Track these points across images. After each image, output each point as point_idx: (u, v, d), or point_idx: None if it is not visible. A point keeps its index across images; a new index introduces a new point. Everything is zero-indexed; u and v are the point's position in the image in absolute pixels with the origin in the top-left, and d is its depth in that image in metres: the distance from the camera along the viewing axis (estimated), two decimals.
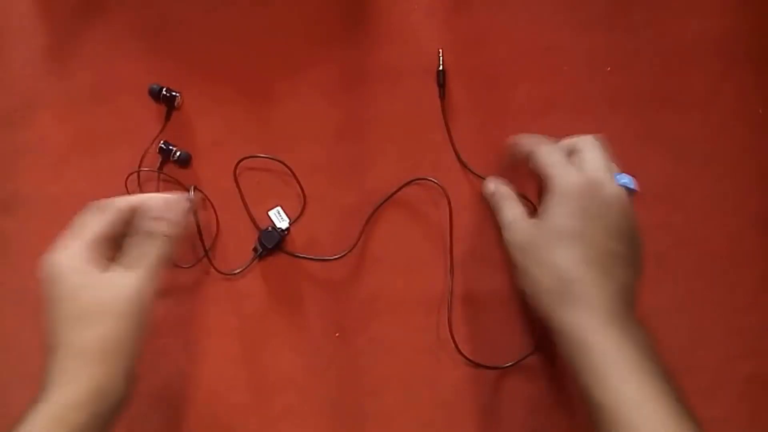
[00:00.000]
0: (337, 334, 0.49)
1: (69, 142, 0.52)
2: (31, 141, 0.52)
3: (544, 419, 0.47)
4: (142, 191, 0.51)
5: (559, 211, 0.41)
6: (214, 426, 0.48)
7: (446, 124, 0.50)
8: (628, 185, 0.43)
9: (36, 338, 0.49)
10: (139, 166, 0.51)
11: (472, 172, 0.50)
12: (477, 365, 0.48)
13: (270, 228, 0.48)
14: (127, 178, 0.50)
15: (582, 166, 0.42)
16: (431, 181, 0.49)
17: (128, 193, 0.50)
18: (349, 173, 0.51)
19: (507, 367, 0.47)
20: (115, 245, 0.42)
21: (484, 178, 0.50)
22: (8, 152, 0.52)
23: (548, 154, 0.43)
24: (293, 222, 0.50)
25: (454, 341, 0.47)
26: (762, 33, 0.52)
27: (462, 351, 0.47)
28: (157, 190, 0.51)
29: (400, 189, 0.50)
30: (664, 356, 0.38)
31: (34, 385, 0.48)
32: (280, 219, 0.49)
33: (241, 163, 0.50)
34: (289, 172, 0.50)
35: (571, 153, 0.44)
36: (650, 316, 0.49)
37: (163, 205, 0.43)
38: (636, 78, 0.51)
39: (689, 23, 0.52)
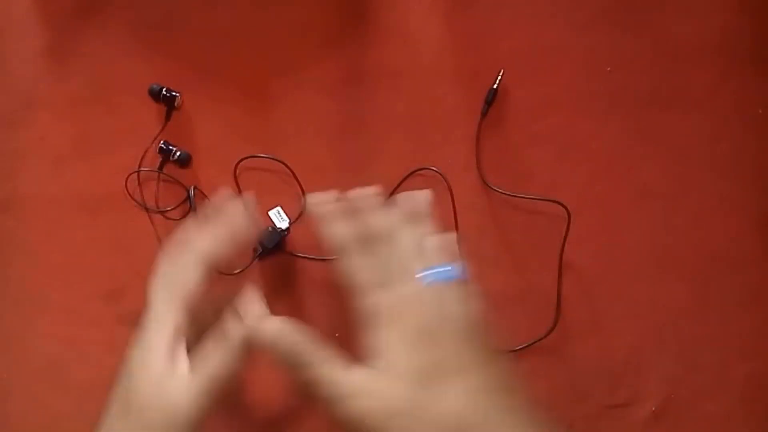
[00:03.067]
0: (337, 334, 0.49)
1: (69, 142, 0.52)
2: (31, 141, 0.52)
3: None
4: (142, 191, 0.51)
5: (398, 349, 0.32)
6: (213, 426, 0.48)
7: (478, 141, 0.50)
8: (450, 277, 0.35)
9: (36, 338, 0.50)
10: (139, 166, 0.51)
11: (482, 177, 0.50)
12: None
13: (270, 228, 0.48)
14: (127, 178, 0.50)
15: (391, 269, 0.34)
16: (433, 170, 0.49)
17: (128, 193, 0.50)
18: (350, 173, 0.51)
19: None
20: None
21: (493, 187, 0.50)
22: (8, 152, 0.52)
23: (347, 255, 0.35)
24: (293, 222, 0.50)
25: None
26: (762, 33, 0.52)
27: None
28: (157, 190, 0.51)
29: (401, 183, 0.49)
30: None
31: (34, 385, 0.48)
32: (280, 219, 0.49)
33: (241, 163, 0.50)
34: (289, 172, 0.50)
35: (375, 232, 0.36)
36: (650, 316, 0.49)
37: (252, 308, 0.37)
38: (636, 78, 0.51)
39: (689, 23, 0.52)
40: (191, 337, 0.36)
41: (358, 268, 0.35)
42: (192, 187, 0.49)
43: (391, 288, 0.34)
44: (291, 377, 0.35)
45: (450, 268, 0.35)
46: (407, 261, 0.35)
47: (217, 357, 0.35)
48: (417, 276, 0.34)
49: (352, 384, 0.32)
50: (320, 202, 0.39)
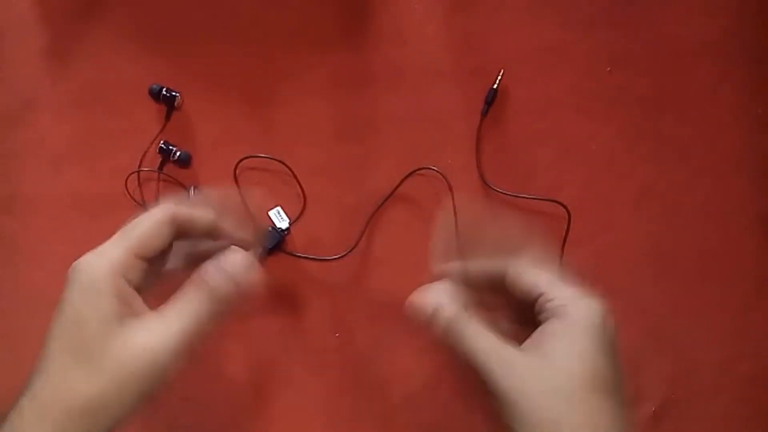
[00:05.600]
0: (337, 334, 0.49)
1: (69, 143, 0.52)
2: (31, 141, 0.52)
3: None
4: (142, 191, 0.51)
5: (589, 354, 0.31)
6: (213, 425, 0.48)
7: (478, 141, 0.50)
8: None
9: (36, 338, 0.50)
10: (139, 166, 0.51)
11: (482, 177, 0.50)
12: None
13: (270, 228, 0.48)
14: (127, 178, 0.50)
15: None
16: (433, 169, 0.49)
17: (128, 193, 0.50)
18: (350, 173, 0.51)
19: None
20: (158, 268, 0.35)
21: (493, 187, 0.50)
22: (8, 152, 0.52)
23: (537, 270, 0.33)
24: (293, 222, 0.50)
25: None
26: (762, 33, 0.52)
27: None
28: (158, 190, 0.51)
29: (402, 182, 0.50)
30: None
31: None
32: (280, 219, 0.49)
33: (241, 163, 0.50)
34: (289, 172, 0.50)
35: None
36: (650, 316, 0.49)
37: (234, 257, 0.35)
38: (636, 78, 0.51)
39: (689, 23, 0.52)
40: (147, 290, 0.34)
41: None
42: (192, 187, 0.49)
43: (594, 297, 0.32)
44: (447, 345, 0.33)
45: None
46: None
47: (196, 304, 0.33)
48: None
49: (517, 360, 0.31)
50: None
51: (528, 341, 0.33)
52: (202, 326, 0.33)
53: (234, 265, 0.34)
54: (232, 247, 0.35)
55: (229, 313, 0.34)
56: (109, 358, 0.32)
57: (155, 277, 0.36)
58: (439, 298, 0.34)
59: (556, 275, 0.33)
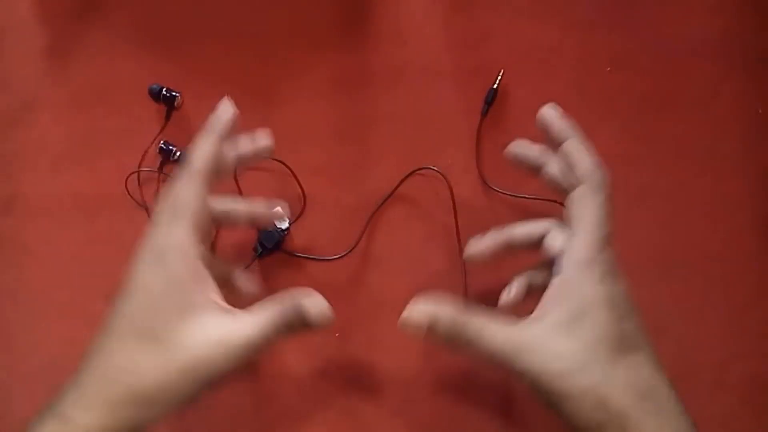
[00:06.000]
0: (336, 334, 0.49)
1: (69, 142, 0.52)
2: (31, 141, 0.52)
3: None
4: (142, 191, 0.51)
5: (600, 314, 0.33)
6: (213, 426, 0.48)
7: (478, 141, 0.50)
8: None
9: (36, 338, 0.50)
10: (139, 166, 0.51)
11: (482, 177, 0.50)
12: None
13: (270, 228, 0.48)
14: (127, 178, 0.50)
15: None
16: (433, 169, 0.49)
17: (128, 193, 0.50)
18: (350, 173, 0.51)
19: None
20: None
21: (493, 187, 0.50)
22: (8, 152, 0.52)
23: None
24: (293, 222, 0.50)
25: None
26: (762, 33, 0.52)
27: None
28: (157, 190, 0.51)
29: (402, 182, 0.49)
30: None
31: (34, 385, 0.48)
32: (280, 219, 0.48)
33: None
34: (289, 172, 0.50)
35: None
36: (651, 316, 0.49)
37: (317, 299, 0.35)
38: (636, 78, 0.51)
39: (689, 23, 0.52)
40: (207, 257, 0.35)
41: (607, 213, 0.35)
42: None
43: (609, 248, 0.34)
44: (456, 350, 0.34)
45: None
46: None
47: (275, 318, 0.33)
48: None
49: (535, 339, 0.32)
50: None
51: (538, 308, 0.34)
52: (271, 339, 0.34)
53: (316, 304, 0.35)
54: (312, 291, 0.36)
55: (293, 336, 0.35)
56: (181, 346, 0.32)
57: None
58: (431, 308, 0.35)
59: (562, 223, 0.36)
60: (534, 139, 0.50)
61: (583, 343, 0.32)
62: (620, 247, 0.49)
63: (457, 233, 0.48)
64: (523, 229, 0.40)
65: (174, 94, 0.51)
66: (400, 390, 0.48)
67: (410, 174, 0.50)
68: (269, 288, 0.50)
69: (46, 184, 0.51)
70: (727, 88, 0.51)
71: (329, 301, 0.47)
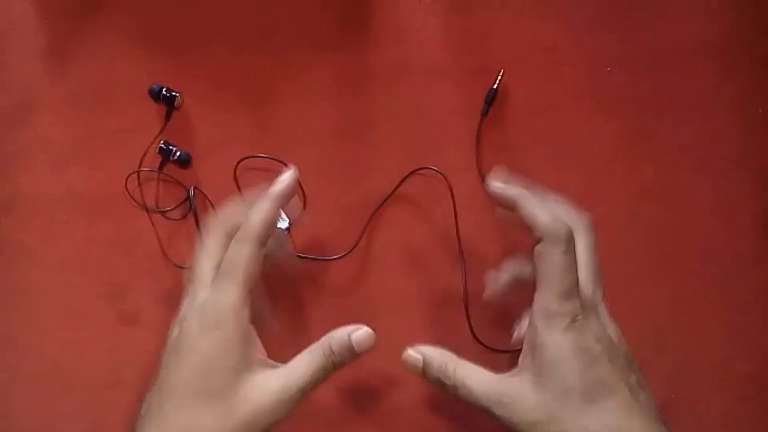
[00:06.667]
0: None
1: (69, 142, 0.52)
2: (31, 141, 0.52)
3: None
4: (142, 191, 0.51)
5: (569, 362, 0.34)
6: None
7: (478, 141, 0.50)
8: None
9: (36, 338, 0.50)
10: (139, 166, 0.51)
11: (482, 177, 0.50)
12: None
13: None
14: (127, 178, 0.50)
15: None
16: (433, 169, 0.49)
17: (128, 193, 0.50)
18: (350, 173, 0.51)
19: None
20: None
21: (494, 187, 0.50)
22: (8, 152, 0.52)
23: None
24: (293, 222, 0.49)
25: (474, 335, 0.47)
26: (762, 33, 0.52)
27: (480, 339, 0.47)
28: (157, 190, 0.51)
29: (401, 182, 0.49)
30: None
31: (34, 386, 0.49)
32: (280, 219, 0.48)
33: (241, 163, 0.50)
34: None
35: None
36: (651, 316, 0.49)
37: (361, 333, 0.38)
38: (636, 78, 0.51)
39: (689, 24, 0.52)
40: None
41: (568, 264, 0.35)
42: (192, 187, 0.49)
43: (574, 296, 0.35)
44: (444, 392, 0.37)
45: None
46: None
47: (320, 362, 0.37)
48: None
49: (512, 391, 0.35)
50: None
51: (520, 358, 0.37)
52: (319, 380, 0.37)
53: (360, 341, 0.38)
54: (360, 326, 0.39)
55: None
56: (241, 401, 0.34)
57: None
58: (426, 351, 0.38)
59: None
60: (534, 139, 0.51)
61: (552, 395, 0.34)
62: (620, 247, 0.50)
63: (457, 233, 0.48)
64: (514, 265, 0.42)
65: (174, 94, 0.51)
66: (400, 390, 0.48)
67: (410, 174, 0.50)
68: (269, 288, 0.50)
69: (46, 184, 0.51)
70: (727, 88, 0.51)
71: (329, 301, 0.47)
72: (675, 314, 0.48)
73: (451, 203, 0.49)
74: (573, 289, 0.35)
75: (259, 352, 0.38)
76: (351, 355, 0.37)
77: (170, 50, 0.53)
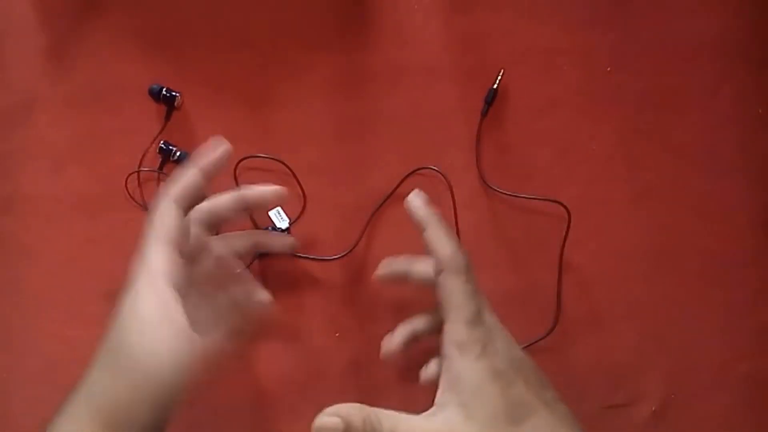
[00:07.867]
0: (337, 334, 0.49)
1: (69, 142, 0.52)
2: (31, 141, 0.52)
3: None
4: (142, 191, 0.51)
5: (487, 388, 0.34)
6: (213, 427, 0.48)
7: (478, 141, 0.50)
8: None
9: (36, 338, 0.50)
10: (139, 166, 0.51)
11: (482, 177, 0.50)
12: None
13: (270, 228, 0.48)
14: (127, 178, 0.50)
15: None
16: (433, 169, 0.49)
17: (128, 193, 0.50)
18: (350, 173, 0.51)
19: None
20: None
21: (493, 187, 0.50)
22: (8, 152, 0.52)
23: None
24: (293, 222, 0.50)
25: None
26: (762, 33, 0.52)
27: None
28: (157, 191, 0.51)
29: (401, 182, 0.50)
30: None
31: (34, 385, 0.48)
32: (280, 219, 0.49)
33: (241, 163, 0.50)
34: (289, 172, 0.50)
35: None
36: (650, 316, 0.49)
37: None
38: (636, 78, 0.51)
39: (689, 23, 0.52)
40: (192, 286, 0.37)
41: (471, 292, 0.36)
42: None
43: (481, 323, 0.35)
44: None
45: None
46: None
47: (230, 328, 0.36)
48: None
49: (443, 427, 0.34)
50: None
51: (438, 393, 0.36)
52: (223, 346, 0.36)
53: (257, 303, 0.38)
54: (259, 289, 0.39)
55: (246, 337, 0.38)
56: (133, 362, 0.34)
57: (192, 279, 0.38)
58: (342, 411, 0.35)
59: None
60: (534, 139, 0.51)
61: (481, 424, 0.34)
62: (620, 247, 0.50)
63: (457, 233, 0.48)
64: (422, 319, 0.41)
65: (174, 94, 0.51)
66: (400, 390, 0.48)
67: (410, 174, 0.50)
68: (269, 288, 0.50)
69: (46, 184, 0.51)
70: (727, 88, 0.51)
71: (329, 302, 0.47)
72: (675, 314, 0.48)
73: (451, 203, 0.49)
74: (478, 317, 0.35)
75: (179, 309, 0.36)
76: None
77: (170, 50, 0.53)
